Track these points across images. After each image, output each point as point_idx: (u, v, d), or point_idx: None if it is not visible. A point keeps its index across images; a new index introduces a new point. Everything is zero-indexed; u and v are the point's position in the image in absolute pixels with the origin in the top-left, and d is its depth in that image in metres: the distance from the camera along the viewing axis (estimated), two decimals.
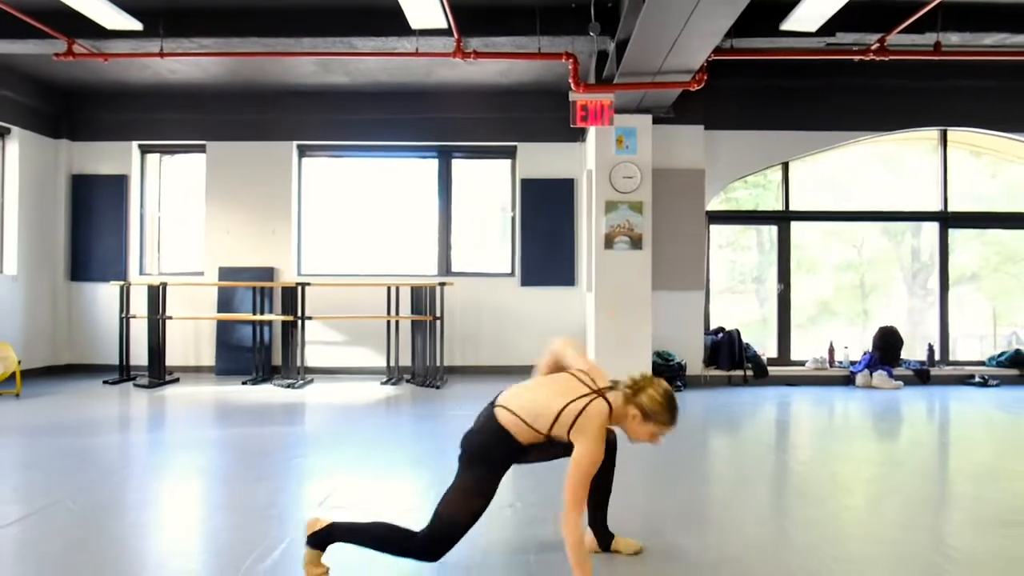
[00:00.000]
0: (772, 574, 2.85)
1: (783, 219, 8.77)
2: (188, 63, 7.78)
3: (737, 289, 9.28)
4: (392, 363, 8.39)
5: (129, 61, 7.54)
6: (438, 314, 8.12)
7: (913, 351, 8.68)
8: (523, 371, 9.49)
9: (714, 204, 8.68)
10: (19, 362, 7.22)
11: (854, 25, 6.65)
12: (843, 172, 9.06)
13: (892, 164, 9.18)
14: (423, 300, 8.24)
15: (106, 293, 8.92)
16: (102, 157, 9.22)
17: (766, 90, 8.44)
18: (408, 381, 8.25)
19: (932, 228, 8.93)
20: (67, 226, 9.16)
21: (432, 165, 9.39)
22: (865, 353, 8.36)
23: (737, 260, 9.35)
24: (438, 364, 8.13)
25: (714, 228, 8.82)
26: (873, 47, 6.72)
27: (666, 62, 6.07)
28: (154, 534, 3.43)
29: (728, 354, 8.18)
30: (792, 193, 8.81)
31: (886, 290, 9.41)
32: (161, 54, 6.78)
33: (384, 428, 6.00)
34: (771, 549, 3.16)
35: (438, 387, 7.84)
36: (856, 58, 6.90)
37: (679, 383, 7.74)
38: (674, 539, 3.22)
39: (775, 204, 8.88)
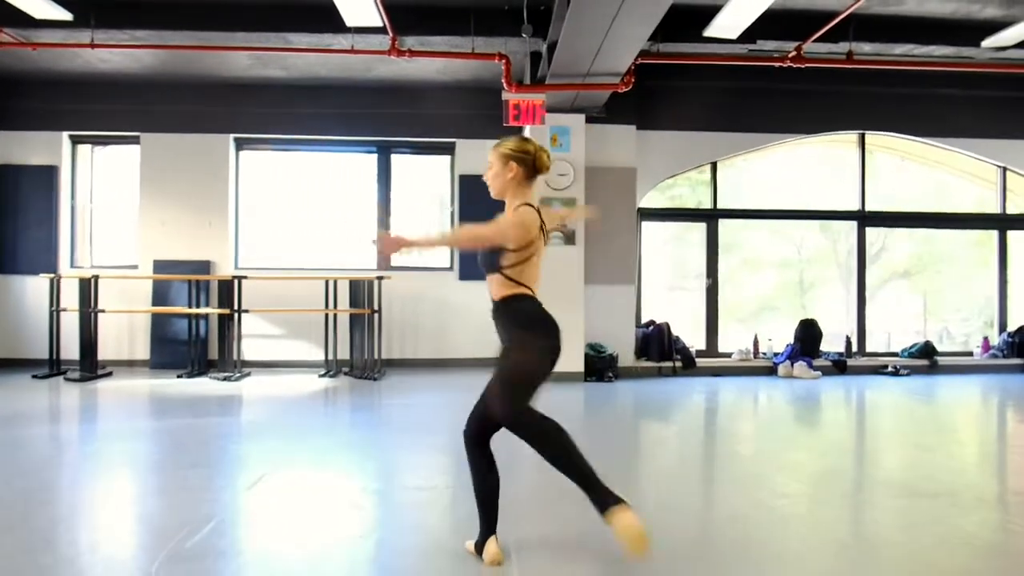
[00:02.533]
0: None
1: (711, 216, 9.14)
2: (120, 54, 7.69)
3: (682, 286, 9.49)
4: (330, 356, 8.46)
5: (59, 51, 7.42)
6: (376, 307, 8.23)
7: (839, 343, 9.12)
8: (462, 364, 9.74)
9: (656, 200, 9.01)
10: None
11: (774, 33, 7.03)
12: (770, 172, 9.48)
13: (816, 165, 9.64)
14: (361, 293, 8.33)
15: (35, 286, 8.73)
16: (31, 147, 9.01)
17: (696, 92, 8.78)
18: (346, 374, 8.34)
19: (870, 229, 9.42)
20: None
21: (372, 160, 9.48)
22: (787, 345, 8.79)
23: (684, 256, 9.56)
24: (376, 357, 8.24)
25: (657, 225, 9.17)
26: (791, 54, 7.10)
27: (594, 65, 6.32)
28: (86, 520, 3.49)
29: (658, 346, 8.50)
30: (721, 191, 9.19)
31: (823, 287, 9.83)
32: (92, 45, 6.71)
33: (320, 417, 6.11)
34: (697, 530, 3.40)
35: (375, 379, 7.96)
36: (776, 64, 7.27)
37: (610, 373, 8.02)
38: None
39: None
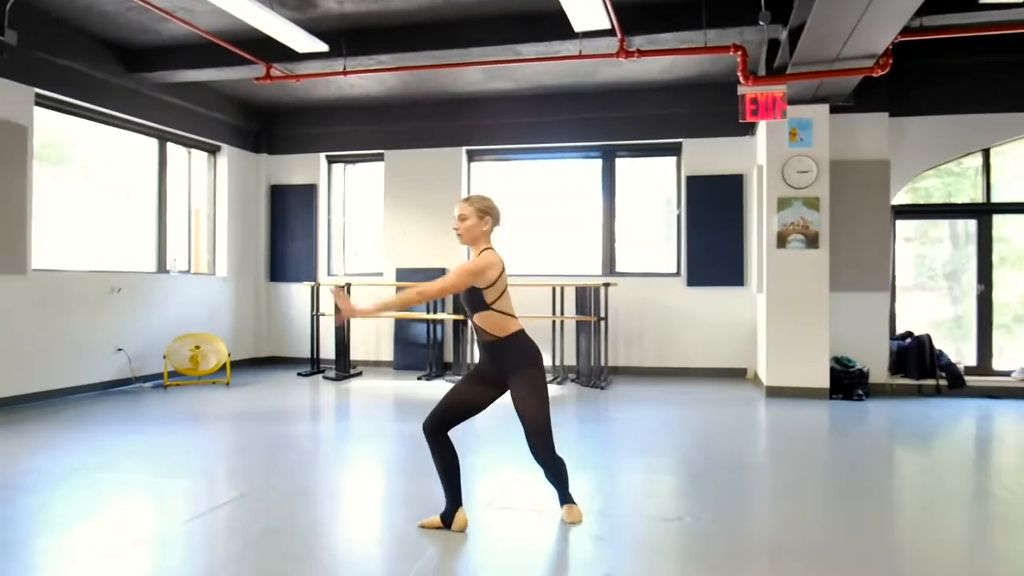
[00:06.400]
0: None
1: (984, 212, 7.90)
2: (367, 78, 8.32)
3: (927, 286, 8.44)
4: (557, 363, 8.52)
5: (315, 80, 8.20)
6: (602, 315, 8.13)
7: None
8: (688, 373, 9.40)
9: (899, 196, 8.00)
10: (229, 355, 8.11)
11: None
12: None
13: None
14: (587, 300, 8.28)
15: (299, 293, 9.80)
16: (295, 168, 10.13)
17: (961, 69, 7.64)
18: (573, 381, 8.35)
19: None
20: (267, 232, 10.16)
21: (596, 165, 9.41)
22: None
23: (927, 254, 8.48)
24: (602, 364, 8.15)
25: (916, 223, 8.16)
26: None
27: (845, 48, 5.68)
28: (340, 523, 3.74)
29: (918, 361, 7.51)
30: (995, 182, 7.92)
31: None
32: (344, 72, 7.31)
33: None
34: None
35: (602, 388, 7.86)
36: None
37: (860, 391, 7.22)
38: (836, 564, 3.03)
39: (972, 193, 8.01)
